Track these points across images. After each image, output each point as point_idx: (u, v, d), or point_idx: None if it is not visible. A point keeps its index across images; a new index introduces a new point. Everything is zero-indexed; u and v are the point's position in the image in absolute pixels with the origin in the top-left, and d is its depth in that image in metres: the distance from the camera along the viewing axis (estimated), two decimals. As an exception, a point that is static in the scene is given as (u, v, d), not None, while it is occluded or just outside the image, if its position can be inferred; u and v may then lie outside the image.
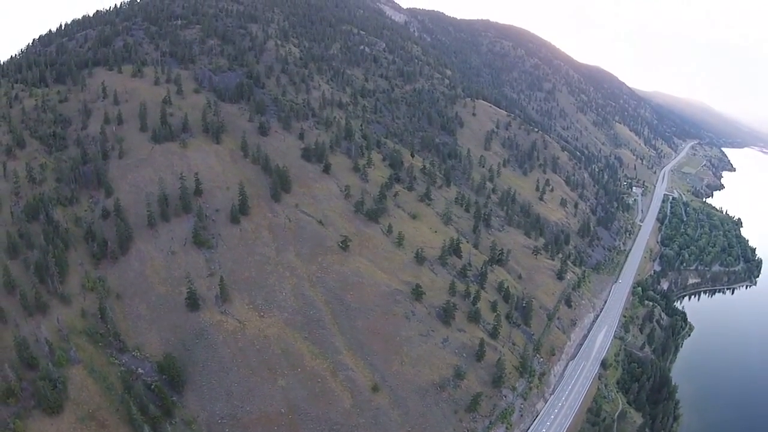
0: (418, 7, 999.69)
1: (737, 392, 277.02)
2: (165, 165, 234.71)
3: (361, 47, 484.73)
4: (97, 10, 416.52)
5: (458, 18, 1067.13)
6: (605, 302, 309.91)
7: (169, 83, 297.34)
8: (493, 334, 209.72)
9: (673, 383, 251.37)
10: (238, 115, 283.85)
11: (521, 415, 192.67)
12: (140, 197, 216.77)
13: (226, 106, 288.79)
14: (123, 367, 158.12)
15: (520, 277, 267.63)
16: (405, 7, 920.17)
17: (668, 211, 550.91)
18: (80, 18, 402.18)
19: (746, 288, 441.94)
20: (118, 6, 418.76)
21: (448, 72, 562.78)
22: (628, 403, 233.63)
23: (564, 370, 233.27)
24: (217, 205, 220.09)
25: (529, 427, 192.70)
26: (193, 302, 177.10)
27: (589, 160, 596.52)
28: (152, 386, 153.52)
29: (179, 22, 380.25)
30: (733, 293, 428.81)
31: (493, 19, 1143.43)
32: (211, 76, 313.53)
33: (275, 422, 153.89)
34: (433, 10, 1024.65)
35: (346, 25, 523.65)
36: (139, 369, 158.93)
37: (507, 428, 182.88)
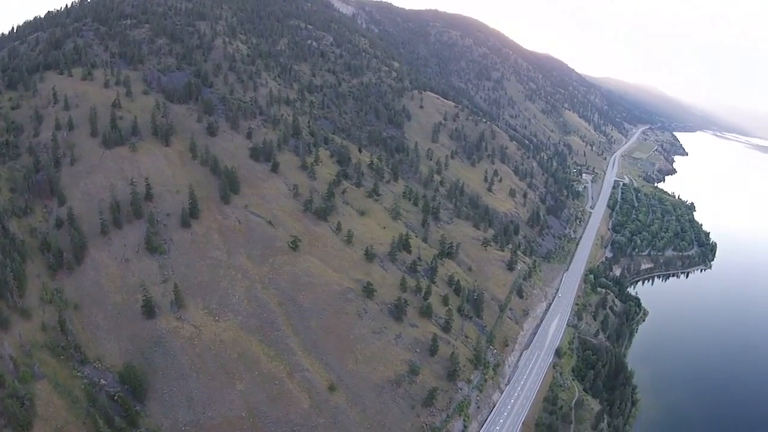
0: None
1: (694, 374, 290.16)
2: (116, 170, 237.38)
3: (309, 42, 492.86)
4: (49, 11, 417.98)
5: (406, 8, 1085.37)
6: (557, 291, 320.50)
7: (118, 85, 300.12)
8: (446, 327, 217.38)
9: (629, 369, 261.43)
10: (186, 116, 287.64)
11: (478, 407, 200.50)
12: (93, 204, 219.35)
13: (174, 107, 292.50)
14: (86, 380, 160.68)
15: (470, 269, 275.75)
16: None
17: (619, 197, 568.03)
18: (32, 20, 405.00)
19: (701, 272, 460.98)
20: (69, 6, 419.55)
21: (396, 64, 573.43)
22: (584, 390, 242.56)
23: (518, 360, 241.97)
24: (167, 209, 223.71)
25: (486, 419, 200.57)
26: (149, 310, 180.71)
27: (537, 149, 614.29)
28: (115, 397, 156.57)
29: (129, 21, 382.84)
30: (687, 277, 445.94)
31: (442, 8, 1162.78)
32: (160, 77, 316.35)
33: (237, 427, 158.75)
34: (382, 1, 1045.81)
35: (294, 19, 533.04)
36: (102, 380, 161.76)
37: (464, 421, 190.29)
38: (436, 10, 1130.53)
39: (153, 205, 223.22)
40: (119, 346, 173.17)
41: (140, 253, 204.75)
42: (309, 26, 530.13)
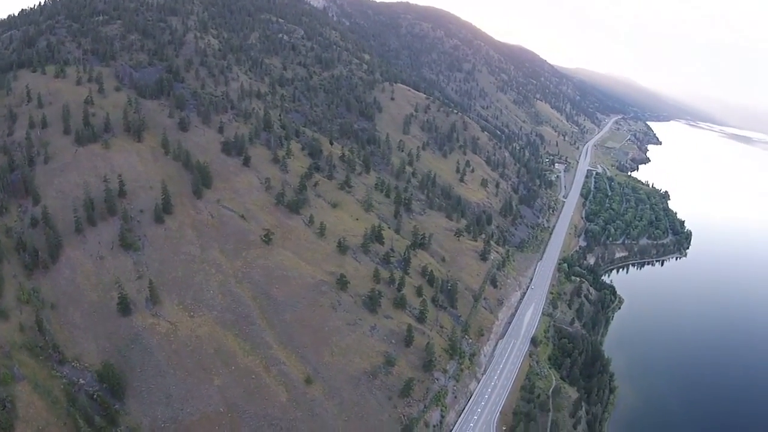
0: None
1: (671, 361, 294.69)
2: (89, 168, 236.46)
3: (280, 35, 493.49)
4: (23, 9, 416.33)
5: (378, 1, 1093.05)
6: (531, 280, 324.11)
7: (90, 82, 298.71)
8: (420, 318, 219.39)
9: (606, 356, 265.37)
10: (158, 112, 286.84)
11: (455, 397, 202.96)
12: (67, 203, 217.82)
13: (146, 103, 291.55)
14: (65, 379, 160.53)
15: (443, 260, 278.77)
16: None
17: (592, 186, 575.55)
18: (6, 18, 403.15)
19: (676, 260, 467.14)
20: (42, 4, 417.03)
21: (367, 57, 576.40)
22: (561, 378, 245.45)
23: (494, 349, 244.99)
24: (141, 205, 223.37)
25: (464, 408, 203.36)
26: (124, 307, 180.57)
27: (509, 139, 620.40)
28: (95, 396, 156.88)
29: (101, 18, 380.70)
30: (662, 265, 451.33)
31: (413, 1, 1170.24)
32: (132, 73, 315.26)
33: (216, 422, 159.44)
34: None
35: (265, 13, 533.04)
36: (81, 380, 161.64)
37: (442, 411, 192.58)
38: (408, 2, 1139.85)
39: (126, 201, 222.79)
40: (96, 344, 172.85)
41: (115, 250, 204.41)
42: (280, 20, 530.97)
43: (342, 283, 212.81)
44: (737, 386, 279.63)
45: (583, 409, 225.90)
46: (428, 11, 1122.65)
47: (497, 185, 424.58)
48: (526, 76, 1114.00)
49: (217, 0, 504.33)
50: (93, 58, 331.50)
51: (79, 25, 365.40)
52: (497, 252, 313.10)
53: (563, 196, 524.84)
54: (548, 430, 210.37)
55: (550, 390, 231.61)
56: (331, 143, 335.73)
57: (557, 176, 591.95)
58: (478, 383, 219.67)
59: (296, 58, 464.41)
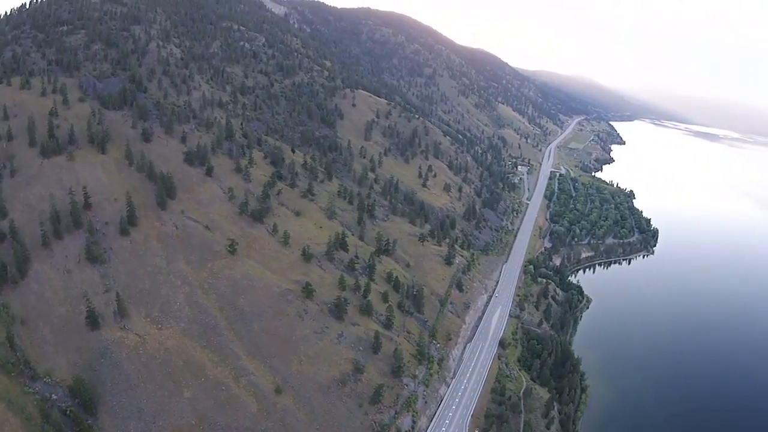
0: None
1: (641, 357, 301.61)
2: (54, 180, 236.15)
3: (241, 43, 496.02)
4: None
5: (339, 7, 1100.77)
6: (497, 283, 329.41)
7: (55, 93, 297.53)
8: (387, 324, 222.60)
9: (575, 356, 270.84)
10: (121, 123, 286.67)
11: (425, 402, 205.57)
12: (33, 216, 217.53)
13: (110, 114, 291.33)
14: (38, 396, 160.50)
15: (408, 265, 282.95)
16: None
17: (556, 188, 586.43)
18: None
19: (643, 258, 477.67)
20: (8, 14, 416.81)
21: (328, 63, 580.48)
22: (532, 379, 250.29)
23: (462, 353, 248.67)
24: (106, 217, 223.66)
25: (435, 413, 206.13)
26: (93, 321, 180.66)
27: (472, 143, 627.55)
28: (67, 411, 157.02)
29: (65, 28, 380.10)
30: (629, 264, 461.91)
31: (374, 6, 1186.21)
32: (96, 83, 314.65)
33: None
34: (314, 1, 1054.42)
35: (227, 21, 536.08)
36: (53, 395, 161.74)
37: (413, 416, 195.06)
38: (369, 8, 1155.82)
39: (92, 214, 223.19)
40: (67, 359, 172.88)
41: (81, 263, 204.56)
42: (242, 27, 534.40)
43: (308, 291, 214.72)
44: (708, 380, 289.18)
45: (555, 409, 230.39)
46: (389, 16, 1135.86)
47: (460, 189, 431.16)
48: (487, 79, 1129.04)
49: (180, 8, 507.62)
50: (57, 69, 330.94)
51: (44, 35, 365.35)
52: (462, 256, 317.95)
53: (527, 199, 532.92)
54: (521, 431, 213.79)
55: (521, 391, 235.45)
56: (293, 151, 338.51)
57: (520, 179, 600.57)
58: (448, 387, 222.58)
59: (257, 66, 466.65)
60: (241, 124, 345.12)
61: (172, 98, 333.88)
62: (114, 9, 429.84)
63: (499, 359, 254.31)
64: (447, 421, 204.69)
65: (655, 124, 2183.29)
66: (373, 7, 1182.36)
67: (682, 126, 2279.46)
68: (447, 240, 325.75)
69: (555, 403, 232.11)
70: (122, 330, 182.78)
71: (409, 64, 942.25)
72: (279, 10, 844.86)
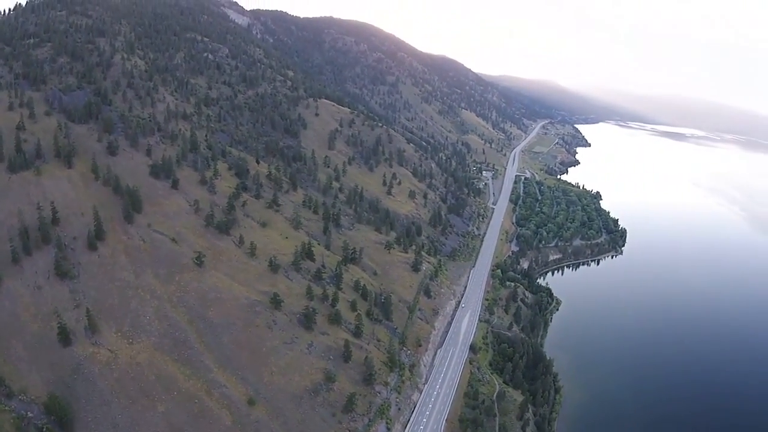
0: (262, 8, 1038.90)
1: (614, 356, 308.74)
2: (22, 195, 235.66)
3: (205, 54, 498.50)
4: None
5: (301, 17, 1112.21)
6: (465, 288, 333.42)
7: (22, 107, 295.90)
8: (357, 333, 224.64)
9: (548, 358, 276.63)
10: (87, 136, 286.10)
11: (399, 409, 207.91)
12: (2, 232, 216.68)
13: (76, 128, 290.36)
14: (14, 413, 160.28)
15: (375, 273, 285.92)
16: (249, 9, 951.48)
17: (521, 192, 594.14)
18: None
19: (612, 258, 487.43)
20: None
21: (291, 73, 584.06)
22: (505, 382, 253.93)
23: (433, 359, 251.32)
24: (74, 232, 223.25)
25: (409, 419, 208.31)
26: (64, 337, 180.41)
27: (436, 149, 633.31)
28: (44, 429, 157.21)
29: (32, 40, 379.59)
30: (598, 264, 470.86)
31: (336, 15, 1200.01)
32: (62, 97, 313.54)
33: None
34: (277, 11, 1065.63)
35: (191, 32, 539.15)
36: (29, 413, 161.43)
37: (387, 423, 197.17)
38: (331, 17, 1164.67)
39: (60, 229, 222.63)
40: (41, 376, 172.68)
41: (51, 279, 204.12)
42: (205, 38, 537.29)
43: (276, 302, 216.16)
44: (679, 376, 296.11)
45: (530, 411, 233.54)
46: (351, 25, 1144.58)
47: (425, 196, 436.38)
48: (450, 86, 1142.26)
49: (144, 20, 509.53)
50: (24, 83, 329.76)
51: (11, 49, 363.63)
52: (429, 262, 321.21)
53: (492, 203, 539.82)
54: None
55: (494, 395, 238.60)
56: (258, 162, 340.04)
57: (485, 184, 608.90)
58: (421, 393, 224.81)
59: (221, 77, 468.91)
60: (206, 135, 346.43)
61: (136, 111, 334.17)
62: (80, 21, 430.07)
63: (471, 364, 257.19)
64: (421, 427, 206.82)
65: (620, 125, 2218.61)
66: (336, 15, 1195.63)
67: (648, 126, 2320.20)
68: (413, 247, 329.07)
69: (529, 405, 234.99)
70: (94, 346, 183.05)
71: (371, 72, 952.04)
72: (242, 20, 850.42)
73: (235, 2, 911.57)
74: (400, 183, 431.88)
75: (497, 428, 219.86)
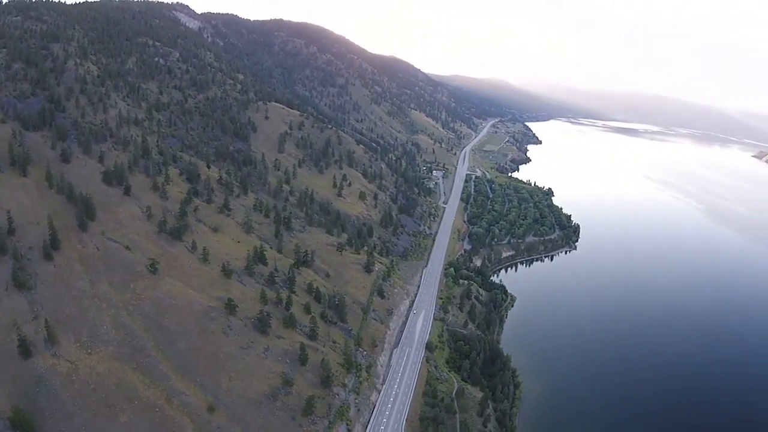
0: (213, 12, 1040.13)
1: (571, 349, 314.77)
2: None
3: (156, 59, 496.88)
4: None
5: (251, 19, 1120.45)
6: (418, 287, 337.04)
7: None
8: (312, 336, 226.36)
9: (505, 354, 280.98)
10: (41, 144, 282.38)
11: (358, 410, 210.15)
12: None
13: (30, 135, 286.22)
14: None
15: (328, 275, 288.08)
16: (200, 13, 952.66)
17: (472, 190, 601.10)
18: None
19: (566, 253, 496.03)
20: None
21: (240, 76, 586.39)
22: (463, 380, 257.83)
23: (390, 359, 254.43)
24: (30, 242, 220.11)
25: (369, 420, 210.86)
26: (25, 349, 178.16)
27: (385, 150, 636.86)
28: None
29: None
30: (552, 260, 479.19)
31: (287, 17, 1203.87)
32: (16, 104, 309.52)
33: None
34: (227, 14, 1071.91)
35: (143, 37, 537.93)
36: None
37: (347, 425, 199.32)
38: (281, 20, 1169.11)
39: (16, 239, 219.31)
40: (4, 389, 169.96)
41: (9, 290, 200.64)
42: (157, 43, 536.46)
43: (230, 307, 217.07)
44: (635, 367, 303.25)
45: (490, 407, 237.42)
46: (301, 27, 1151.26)
47: (375, 197, 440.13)
48: (400, 86, 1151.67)
49: (97, 25, 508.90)
50: None
51: None
52: (381, 263, 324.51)
53: (443, 203, 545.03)
54: (458, 431, 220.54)
55: (453, 392, 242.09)
56: (209, 167, 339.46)
57: (436, 183, 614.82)
58: (379, 394, 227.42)
59: (172, 82, 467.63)
60: (157, 141, 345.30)
61: (89, 117, 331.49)
62: (34, 27, 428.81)
63: (428, 362, 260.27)
64: (382, 428, 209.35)
65: (572, 122, 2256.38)
66: (286, 18, 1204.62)
67: (600, 123, 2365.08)
68: (365, 248, 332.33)
69: (489, 402, 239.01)
70: (54, 357, 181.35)
71: (321, 74, 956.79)
72: (193, 24, 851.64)
73: (187, 6, 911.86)
74: (350, 184, 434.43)
75: (458, 426, 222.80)
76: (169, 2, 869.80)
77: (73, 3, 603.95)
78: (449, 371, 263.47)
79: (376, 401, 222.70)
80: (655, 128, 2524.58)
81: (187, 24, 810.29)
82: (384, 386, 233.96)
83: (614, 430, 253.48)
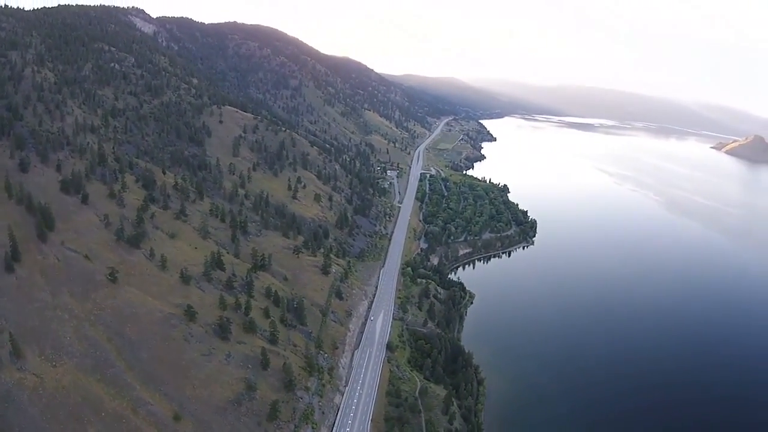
0: (168, 15, 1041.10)
1: (532, 344, 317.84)
2: None
3: (112, 65, 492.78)
4: None
5: (206, 23, 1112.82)
6: (377, 288, 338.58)
7: None
8: (273, 340, 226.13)
9: (466, 351, 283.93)
10: (0, 153, 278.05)
11: (323, 413, 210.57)
12: None
13: None
14: None
15: (285, 279, 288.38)
16: (155, 17, 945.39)
17: (427, 189, 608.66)
18: None
19: (523, 249, 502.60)
20: None
21: (195, 81, 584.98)
22: (426, 378, 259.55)
23: (351, 360, 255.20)
24: None
25: (334, 422, 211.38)
26: None
27: (339, 151, 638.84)
28: None
29: None
30: (509, 256, 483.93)
31: (241, 20, 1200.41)
32: None
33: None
34: (182, 17, 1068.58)
35: (99, 42, 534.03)
36: None
37: (313, 428, 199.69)
38: (235, 22, 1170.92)
39: None
40: None
41: None
42: (112, 48, 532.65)
43: (190, 314, 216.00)
44: (596, 358, 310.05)
45: (455, 404, 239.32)
46: (255, 30, 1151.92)
47: (330, 198, 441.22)
48: (353, 87, 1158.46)
49: (54, 31, 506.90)
50: None
51: None
52: (338, 264, 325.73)
53: (398, 202, 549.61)
54: (424, 430, 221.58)
55: (417, 391, 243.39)
56: (164, 173, 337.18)
57: (390, 183, 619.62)
58: (343, 396, 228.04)
59: (127, 88, 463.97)
60: (113, 148, 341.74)
61: (47, 125, 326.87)
62: None
63: (389, 362, 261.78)
64: (347, 429, 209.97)
65: (527, 118, 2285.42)
66: (240, 20, 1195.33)
67: (555, 119, 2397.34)
68: (322, 250, 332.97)
69: (453, 399, 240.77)
70: (20, 371, 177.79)
71: (274, 77, 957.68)
72: (148, 28, 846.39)
73: (142, 10, 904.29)
74: (305, 187, 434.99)
75: (424, 424, 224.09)
76: (125, 7, 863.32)
77: (32, 9, 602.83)
78: (411, 370, 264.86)
79: (340, 403, 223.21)
80: (610, 122, 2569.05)
81: (142, 28, 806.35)
82: (347, 388, 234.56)
83: (577, 418, 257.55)
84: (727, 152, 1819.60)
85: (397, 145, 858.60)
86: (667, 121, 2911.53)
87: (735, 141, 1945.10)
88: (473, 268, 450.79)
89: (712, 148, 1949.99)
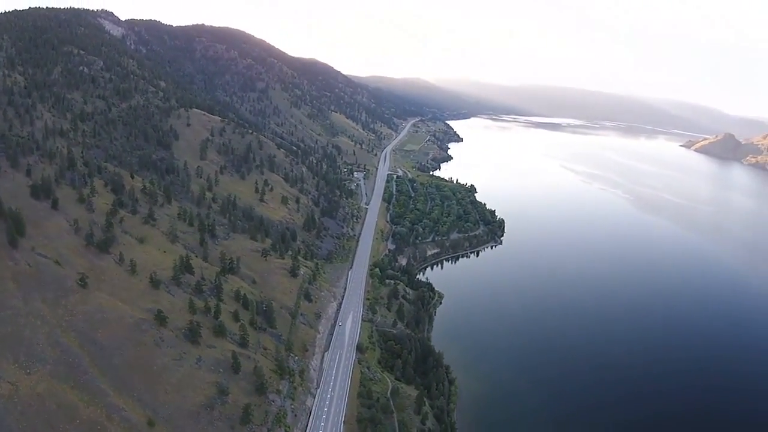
0: (136, 18, 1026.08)
1: (502, 343, 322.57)
2: None
3: (81, 68, 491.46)
4: None
5: (174, 25, 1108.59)
6: (345, 289, 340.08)
7: None
8: (243, 343, 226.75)
9: (437, 351, 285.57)
10: None
11: (295, 416, 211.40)
12: None
13: None
14: None
15: (254, 281, 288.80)
16: (124, 20, 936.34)
17: (394, 190, 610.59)
18: None
19: (492, 248, 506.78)
20: None
21: (162, 84, 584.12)
22: (397, 379, 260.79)
23: (321, 362, 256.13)
24: None
25: (307, 425, 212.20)
26: None
27: (306, 153, 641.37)
28: None
29: None
30: (477, 256, 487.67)
31: (209, 22, 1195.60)
32: None
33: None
34: (151, 20, 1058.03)
35: (68, 45, 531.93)
36: None
37: (286, 431, 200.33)
38: (203, 25, 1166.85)
39: None
40: None
41: None
42: (81, 51, 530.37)
43: (160, 318, 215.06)
44: (567, 355, 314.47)
45: (427, 404, 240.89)
46: (223, 32, 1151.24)
47: (297, 201, 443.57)
48: (320, 89, 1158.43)
49: (25, 34, 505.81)
50: None
51: None
52: (306, 267, 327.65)
53: (365, 204, 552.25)
54: (397, 430, 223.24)
55: (388, 392, 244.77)
56: (132, 177, 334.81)
57: (357, 184, 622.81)
58: (315, 398, 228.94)
59: (96, 91, 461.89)
60: (82, 152, 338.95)
61: (16, 129, 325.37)
62: None
63: (360, 364, 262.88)
64: (321, 431, 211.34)
65: (493, 119, 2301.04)
66: (207, 23, 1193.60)
67: (522, 119, 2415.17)
68: (290, 252, 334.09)
69: (425, 399, 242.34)
70: None
71: (241, 79, 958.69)
72: (117, 31, 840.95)
73: (111, 12, 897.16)
74: (272, 189, 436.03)
75: (396, 425, 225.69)
76: (94, 9, 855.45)
77: (2, 12, 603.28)
78: (382, 371, 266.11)
79: (312, 406, 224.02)
80: (578, 122, 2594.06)
81: (111, 31, 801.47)
82: (318, 390, 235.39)
83: (548, 412, 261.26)
84: (696, 150, 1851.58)
85: (363, 146, 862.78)
86: (637, 120, 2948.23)
87: (705, 139, 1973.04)
88: (441, 268, 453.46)
89: (681, 146, 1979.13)
